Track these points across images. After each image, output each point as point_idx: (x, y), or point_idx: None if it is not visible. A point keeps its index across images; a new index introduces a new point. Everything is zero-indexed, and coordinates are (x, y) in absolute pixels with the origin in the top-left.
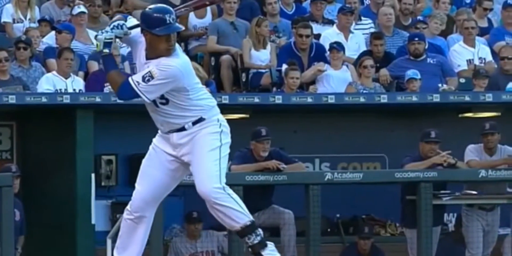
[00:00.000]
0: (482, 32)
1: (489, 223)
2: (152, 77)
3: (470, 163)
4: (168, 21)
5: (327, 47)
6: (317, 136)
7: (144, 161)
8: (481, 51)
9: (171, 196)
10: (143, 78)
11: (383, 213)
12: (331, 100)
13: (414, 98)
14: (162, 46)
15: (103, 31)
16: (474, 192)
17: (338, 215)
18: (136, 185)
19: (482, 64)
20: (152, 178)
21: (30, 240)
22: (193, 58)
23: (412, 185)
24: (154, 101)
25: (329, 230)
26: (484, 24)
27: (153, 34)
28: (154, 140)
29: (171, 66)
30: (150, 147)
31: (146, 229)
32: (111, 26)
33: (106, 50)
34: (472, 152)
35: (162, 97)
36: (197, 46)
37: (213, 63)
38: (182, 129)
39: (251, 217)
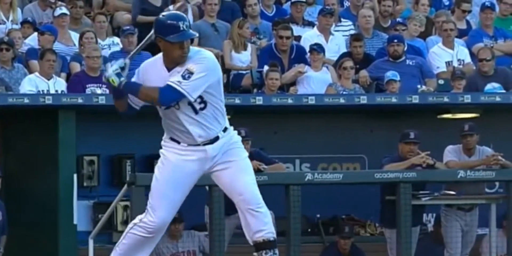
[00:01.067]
0: (461, 34)
1: (468, 223)
2: (191, 73)
3: (449, 164)
4: (181, 28)
5: (307, 48)
6: (298, 137)
7: (162, 181)
8: (460, 53)
9: None
10: (183, 77)
11: (363, 213)
12: (311, 101)
13: (394, 99)
14: (176, 53)
15: (105, 70)
16: (453, 193)
17: (318, 215)
18: (156, 207)
19: (461, 66)
20: (174, 200)
21: (12, 240)
22: None
23: (392, 185)
24: (193, 108)
25: (309, 230)
26: (462, 26)
27: (167, 41)
28: (173, 159)
29: (205, 57)
30: (169, 167)
31: (157, 241)
32: (108, 64)
33: (122, 79)
34: (451, 153)
35: (201, 100)
36: None
37: None
38: (216, 138)
39: (275, 235)
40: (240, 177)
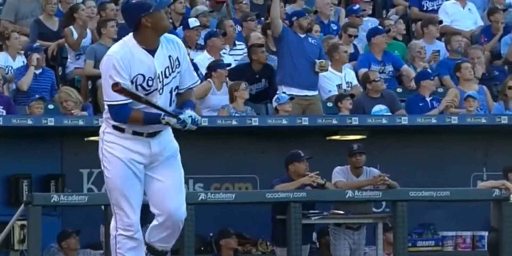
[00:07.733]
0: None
1: (356, 242)
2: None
3: (338, 184)
4: None
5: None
6: (191, 157)
7: (118, 182)
8: (348, 76)
9: (48, 216)
10: (175, 67)
11: (254, 232)
12: (205, 123)
13: (284, 121)
14: (165, 21)
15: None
16: (342, 212)
17: (211, 234)
18: (128, 206)
19: (349, 88)
20: (134, 197)
21: None
22: (70, 81)
23: (283, 205)
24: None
25: (202, 248)
26: (350, 50)
27: (155, 12)
28: (119, 154)
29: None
30: (119, 165)
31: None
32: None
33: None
34: (339, 174)
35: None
36: (74, 69)
37: (90, 87)
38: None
39: None
40: (174, 190)
